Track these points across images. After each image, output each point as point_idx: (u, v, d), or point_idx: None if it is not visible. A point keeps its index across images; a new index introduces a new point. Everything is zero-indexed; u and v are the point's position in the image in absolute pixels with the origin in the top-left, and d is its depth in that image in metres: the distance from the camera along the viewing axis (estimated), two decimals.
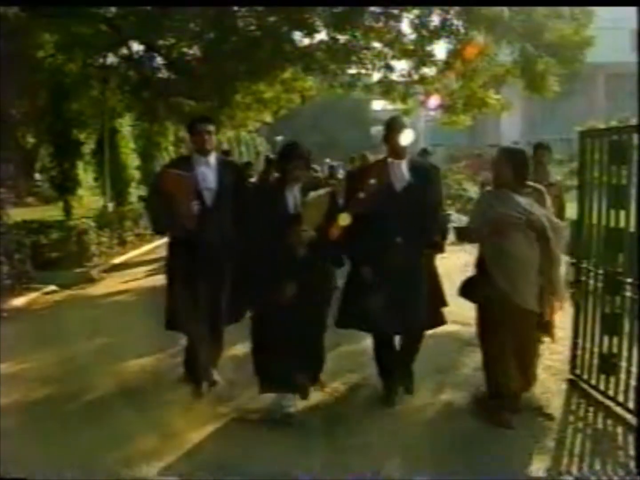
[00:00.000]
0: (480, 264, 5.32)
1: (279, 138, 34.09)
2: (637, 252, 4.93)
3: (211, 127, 5.96)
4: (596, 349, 5.70)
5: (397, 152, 5.47)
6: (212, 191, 5.77)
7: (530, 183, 5.41)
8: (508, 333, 5.05)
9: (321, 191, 5.28)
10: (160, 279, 11.11)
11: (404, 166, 5.44)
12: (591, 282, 5.82)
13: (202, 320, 5.75)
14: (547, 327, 5.52)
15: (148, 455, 4.72)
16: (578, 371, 6.05)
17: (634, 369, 5.25)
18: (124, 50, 15.20)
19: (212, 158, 5.91)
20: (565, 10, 12.98)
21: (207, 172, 5.81)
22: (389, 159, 5.51)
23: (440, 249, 5.61)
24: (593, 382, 5.78)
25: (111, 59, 15.53)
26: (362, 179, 5.52)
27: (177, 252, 5.84)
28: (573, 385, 6.02)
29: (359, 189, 5.37)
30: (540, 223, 5.01)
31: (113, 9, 13.85)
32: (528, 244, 5.03)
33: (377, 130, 56.12)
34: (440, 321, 5.65)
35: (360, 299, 5.36)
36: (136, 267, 13.27)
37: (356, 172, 6.82)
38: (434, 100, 15.33)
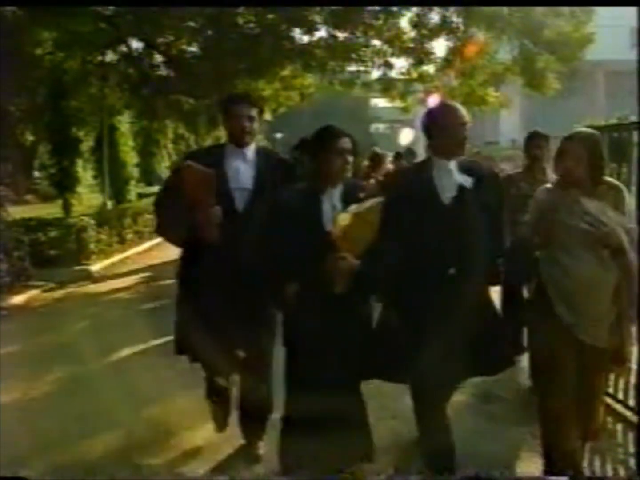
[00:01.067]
0: (538, 282, 3.99)
1: (278, 135, 34.12)
2: (638, 249, 4.90)
3: (253, 111, 4.42)
4: None
5: (445, 148, 3.92)
6: (246, 192, 4.32)
7: (608, 179, 3.96)
8: (568, 377, 3.82)
9: (370, 202, 3.74)
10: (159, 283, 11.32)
11: (453, 168, 3.89)
12: None
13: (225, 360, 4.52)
14: (621, 362, 4.04)
15: (145, 451, 4.74)
16: None
17: (633, 366, 5.25)
18: (123, 48, 15.20)
19: (251, 151, 4.44)
20: (565, 8, 13.00)
21: (243, 168, 4.36)
22: (434, 158, 3.98)
23: (497, 278, 4.20)
24: None
25: (110, 56, 15.53)
26: (396, 185, 4.15)
27: (191, 272, 4.46)
28: None
29: (394, 200, 3.81)
30: (616, 237, 3.68)
31: (112, 7, 13.84)
32: (599, 263, 3.73)
33: (376, 127, 56.17)
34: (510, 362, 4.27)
35: (397, 349, 3.87)
36: (134, 273, 13.18)
37: (389, 177, 5.17)
38: (433, 99, 15.31)
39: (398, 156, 11.97)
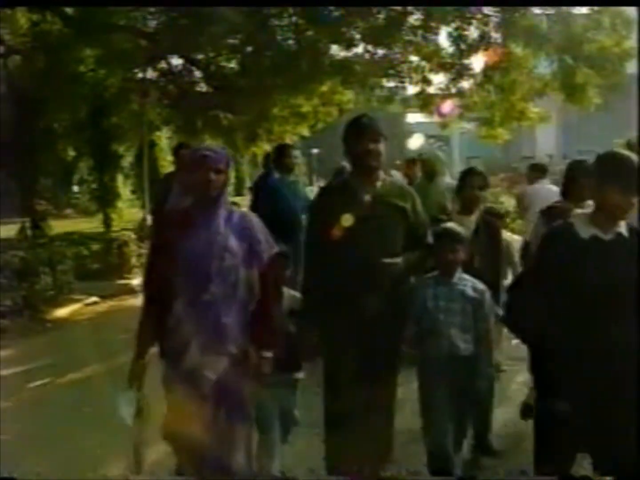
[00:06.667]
0: None
1: (315, 151, 34.11)
2: None
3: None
4: None
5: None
6: None
7: None
8: None
9: None
10: None
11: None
12: None
13: None
14: None
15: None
16: None
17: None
18: (163, 65, 15.43)
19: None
20: (605, 21, 12.89)
21: None
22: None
23: None
24: None
25: (150, 73, 15.72)
26: None
27: None
28: None
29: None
30: None
31: (152, 24, 14.08)
32: None
33: (412, 142, 55.99)
34: None
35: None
36: None
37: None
38: (447, 106, 15.22)
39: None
